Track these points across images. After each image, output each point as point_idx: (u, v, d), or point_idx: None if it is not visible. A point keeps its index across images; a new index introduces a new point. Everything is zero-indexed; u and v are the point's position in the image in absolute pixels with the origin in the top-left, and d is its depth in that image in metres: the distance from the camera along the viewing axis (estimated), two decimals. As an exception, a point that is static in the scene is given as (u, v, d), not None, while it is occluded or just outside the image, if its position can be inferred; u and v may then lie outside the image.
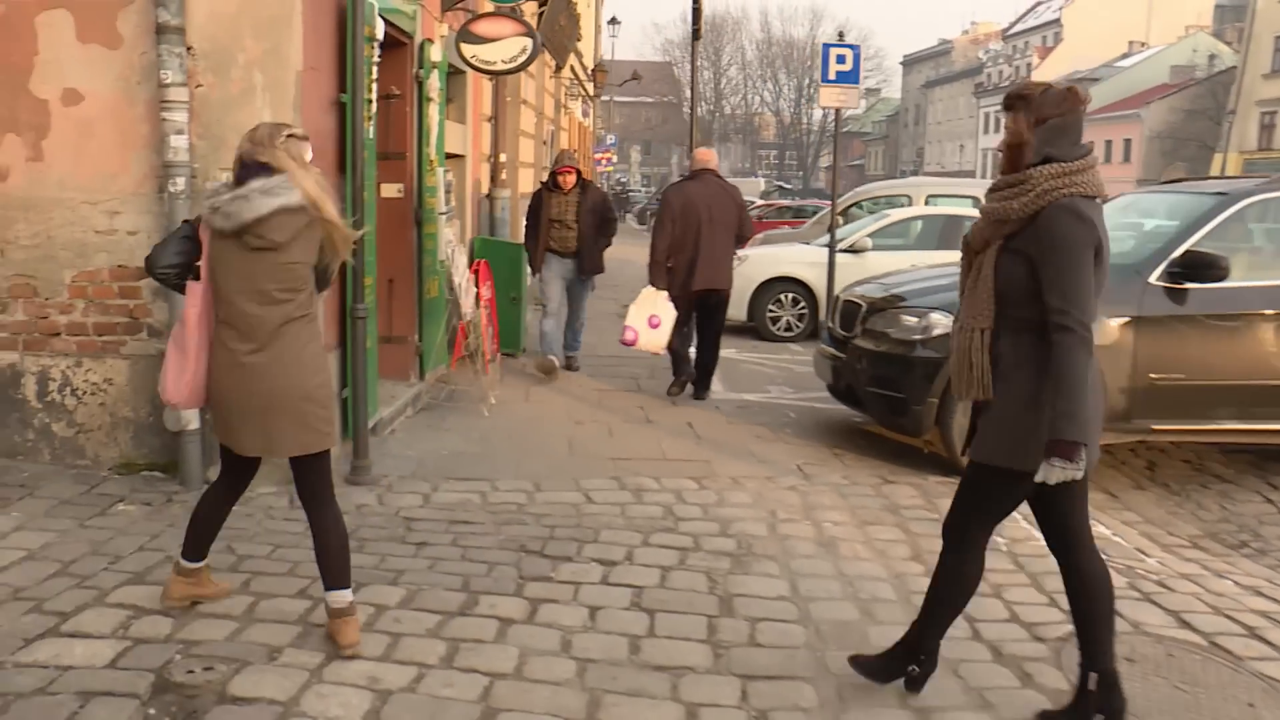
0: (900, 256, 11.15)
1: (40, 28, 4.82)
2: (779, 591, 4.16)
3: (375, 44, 5.48)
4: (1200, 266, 5.70)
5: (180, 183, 4.72)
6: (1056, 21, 64.12)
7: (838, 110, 10.39)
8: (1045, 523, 3.15)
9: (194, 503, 3.71)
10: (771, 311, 11.34)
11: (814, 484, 5.67)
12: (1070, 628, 3.33)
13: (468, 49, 7.59)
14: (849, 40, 10.40)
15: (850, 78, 10.08)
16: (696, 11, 9.04)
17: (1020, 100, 2.90)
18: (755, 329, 11.35)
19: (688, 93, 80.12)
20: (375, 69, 5.52)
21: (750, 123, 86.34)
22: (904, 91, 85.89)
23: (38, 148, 4.90)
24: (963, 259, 3.11)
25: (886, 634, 3.58)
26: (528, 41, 7.61)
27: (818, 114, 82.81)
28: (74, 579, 3.89)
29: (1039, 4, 70.21)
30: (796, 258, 11.60)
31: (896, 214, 11.65)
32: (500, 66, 7.64)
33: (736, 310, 11.18)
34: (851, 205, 13.77)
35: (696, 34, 9.36)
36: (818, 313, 11.19)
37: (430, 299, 7.18)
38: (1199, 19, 58.22)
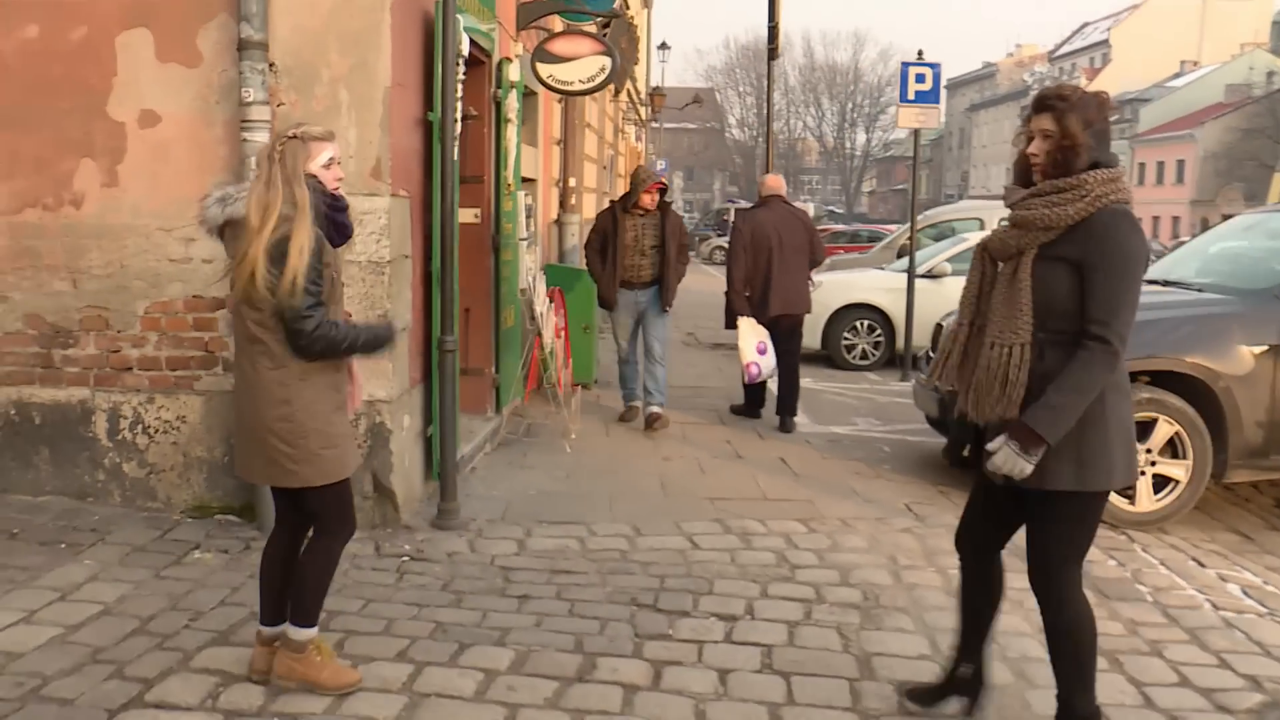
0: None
1: (120, 48, 4.58)
2: (919, 649, 3.75)
3: (461, 61, 5.17)
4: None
5: (262, 207, 4.41)
6: (1105, 42, 63.29)
7: (917, 131, 9.98)
8: (1029, 553, 2.90)
9: None
10: (847, 339, 10.90)
11: (928, 526, 5.23)
12: (1260, 697, 2.97)
13: (544, 68, 7.30)
14: (926, 59, 10.00)
15: (930, 97, 9.69)
16: (774, 30, 8.70)
17: (1062, 101, 2.72)
18: (829, 357, 10.92)
19: (730, 118, 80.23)
20: (460, 88, 5.22)
21: (793, 148, 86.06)
22: (948, 115, 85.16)
23: (113, 173, 4.64)
24: (975, 270, 2.93)
25: (1046, 699, 3.15)
26: (606, 60, 7.29)
27: (860, 138, 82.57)
28: (154, 638, 3.55)
29: (1086, 25, 69.41)
30: (872, 284, 11.16)
31: (975, 237, 11.16)
32: (578, 86, 7.33)
33: (810, 338, 10.75)
34: (921, 230, 13.31)
35: (773, 53, 9.02)
36: (895, 340, 10.74)
37: (506, 329, 6.85)
38: (1256, 36, 57.11)
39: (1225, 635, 3.97)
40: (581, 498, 5.53)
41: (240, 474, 3.26)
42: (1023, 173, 2.87)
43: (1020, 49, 75.23)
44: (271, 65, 4.46)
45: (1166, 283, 6.21)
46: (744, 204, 41.32)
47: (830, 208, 61.04)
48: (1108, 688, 3.35)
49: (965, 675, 3.19)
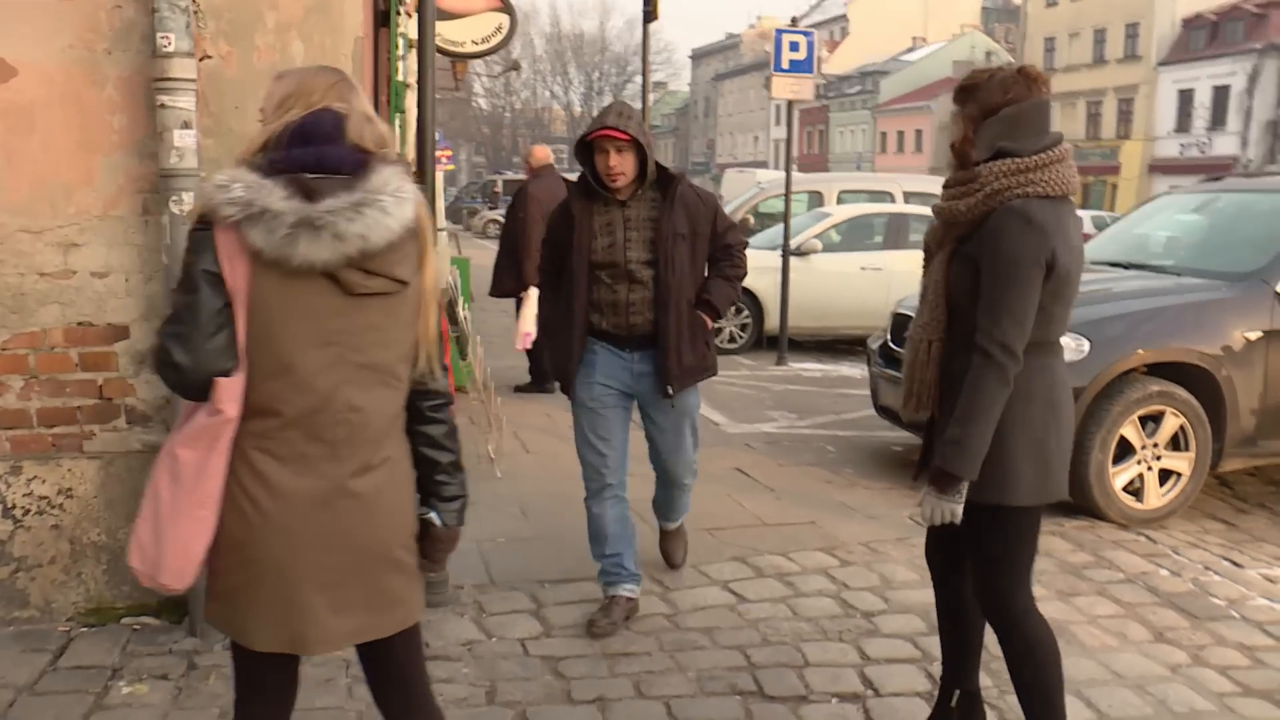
0: (848, 258, 10.48)
1: (-54, -33, 3.17)
2: (1082, 715, 3.21)
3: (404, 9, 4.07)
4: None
5: (188, 200, 3.19)
6: (843, 16, 66.57)
7: (790, 102, 9.51)
8: (973, 572, 2.73)
9: (229, 666, 2.19)
10: (713, 322, 10.35)
11: (952, 543, 4.74)
12: None
13: (432, 23, 6.16)
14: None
15: (804, 67, 9.24)
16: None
17: (965, 93, 2.57)
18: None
19: (477, 87, 78.01)
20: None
21: (539, 117, 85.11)
22: (693, 85, 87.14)
23: (-56, 151, 3.24)
24: (924, 263, 2.76)
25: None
26: (504, 19, 6.28)
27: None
28: None
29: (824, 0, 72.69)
30: (736, 262, 10.66)
31: (841, 213, 10.91)
32: (470, 48, 6.27)
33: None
34: (760, 203, 12.99)
35: (650, 15, 8.19)
36: (763, 322, 10.32)
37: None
38: (971, 18, 61.94)
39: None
40: (558, 541, 4.60)
41: (324, 643, 1.97)
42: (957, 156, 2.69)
43: (761, 20, 77.68)
44: (194, 2, 3.21)
45: (1130, 265, 6.04)
46: (511, 175, 40.15)
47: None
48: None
49: (959, 701, 2.92)
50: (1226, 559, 4.67)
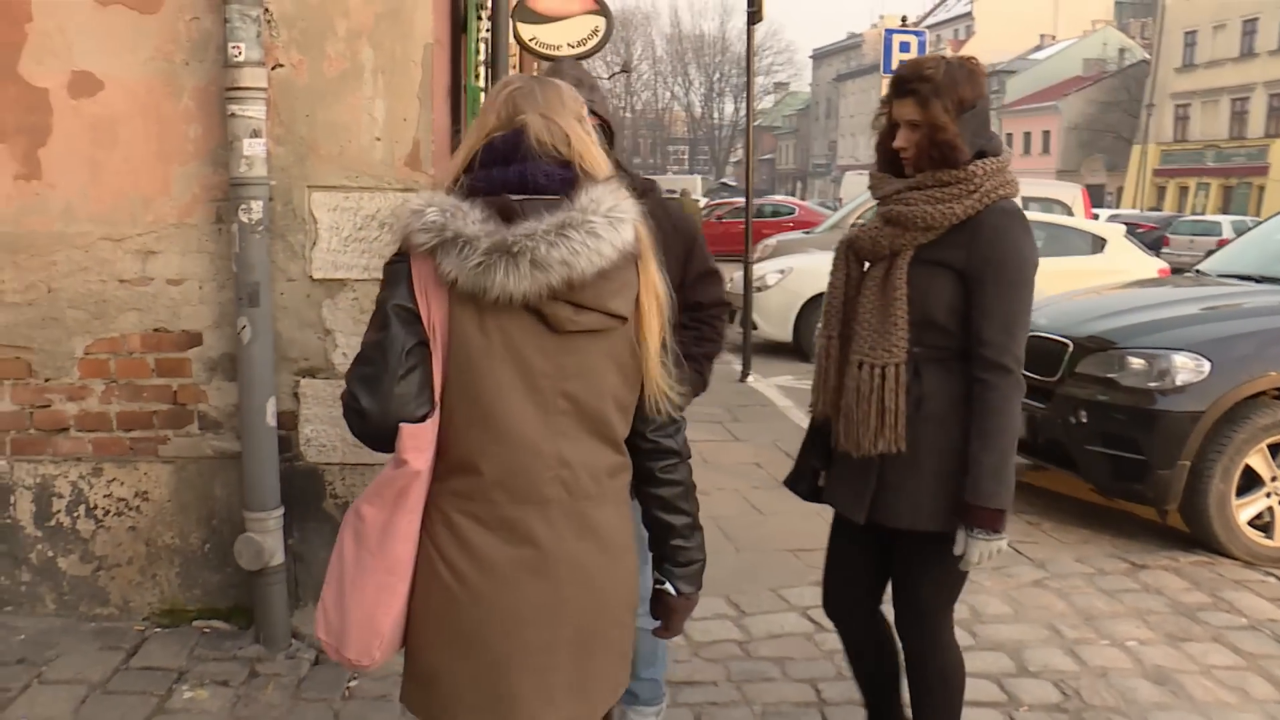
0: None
1: (36, -18, 3.25)
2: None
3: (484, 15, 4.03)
4: None
5: (256, 209, 3.20)
6: (968, 15, 64.75)
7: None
8: (898, 597, 2.57)
9: (289, 677, 2.03)
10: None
11: (1054, 574, 4.44)
12: None
13: (527, 30, 6.13)
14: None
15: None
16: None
17: (925, 84, 2.29)
18: (801, 349, 10.10)
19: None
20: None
21: (660, 118, 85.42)
22: (814, 85, 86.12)
23: (32, 160, 3.32)
24: (839, 271, 2.50)
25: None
26: (600, 21, 6.19)
27: (729, 108, 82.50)
28: None
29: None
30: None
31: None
32: (567, 51, 6.19)
33: (781, 329, 9.96)
34: (866, 207, 12.63)
35: (754, 17, 8.03)
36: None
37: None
38: (1104, 13, 59.43)
39: None
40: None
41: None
42: (889, 158, 2.43)
43: (884, 20, 76.27)
44: (266, 11, 3.22)
45: (1263, 279, 5.60)
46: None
47: (724, 180, 60.03)
48: None
49: None
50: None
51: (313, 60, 3.30)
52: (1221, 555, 4.67)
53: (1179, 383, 4.69)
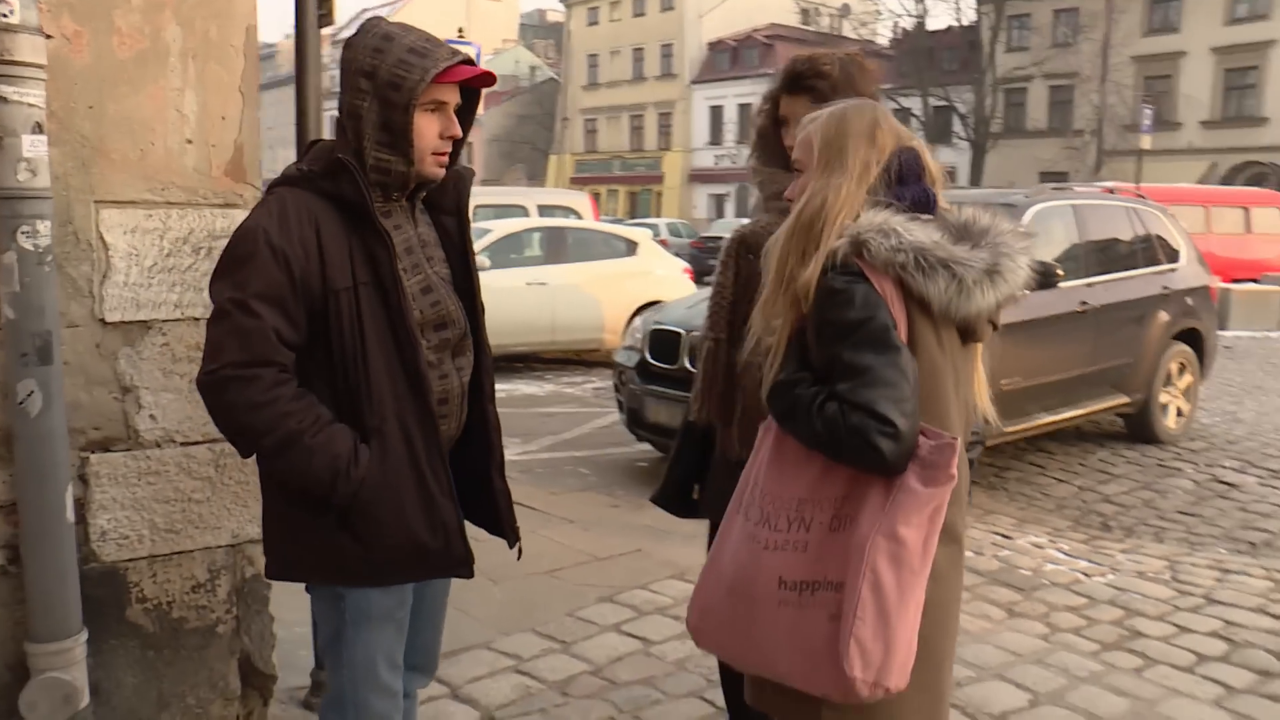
0: (512, 274, 10.34)
1: None
2: (1015, 698, 3.46)
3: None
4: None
5: (43, 231, 2.32)
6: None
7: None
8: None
9: None
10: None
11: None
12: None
13: None
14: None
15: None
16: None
17: (822, 80, 2.30)
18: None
19: None
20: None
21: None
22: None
23: None
24: (726, 270, 2.48)
25: None
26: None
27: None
28: None
29: (364, 11, 71.12)
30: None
31: (504, 226, 10.73)
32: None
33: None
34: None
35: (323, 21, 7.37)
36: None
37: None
38: (510, 33, 64.19)
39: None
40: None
41: None
42: (776, 153, 2.40)
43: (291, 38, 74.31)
44: (34, -35, 2.36)
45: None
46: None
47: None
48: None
49: None
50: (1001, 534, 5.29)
51: (96, 34, 2.48)
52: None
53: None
